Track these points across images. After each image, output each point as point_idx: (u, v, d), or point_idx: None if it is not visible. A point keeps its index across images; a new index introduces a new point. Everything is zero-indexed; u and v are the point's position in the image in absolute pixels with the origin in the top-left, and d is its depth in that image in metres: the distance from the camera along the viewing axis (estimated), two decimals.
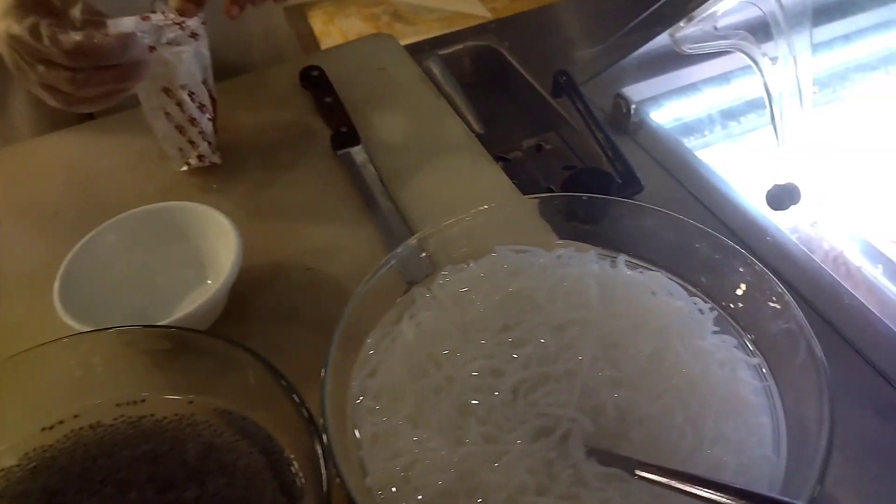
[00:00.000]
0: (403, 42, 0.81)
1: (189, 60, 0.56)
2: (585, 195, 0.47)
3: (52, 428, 0.42)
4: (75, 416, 0.42)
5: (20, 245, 0.61)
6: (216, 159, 0.63)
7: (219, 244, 0.54)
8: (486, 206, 0.49)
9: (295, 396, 0.37)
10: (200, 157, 0.62)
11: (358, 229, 0.60)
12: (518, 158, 0.72)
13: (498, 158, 0.69)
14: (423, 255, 0.48)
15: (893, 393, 0.46)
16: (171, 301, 0.54)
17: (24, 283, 0.57)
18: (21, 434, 0.41)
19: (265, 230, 0.59)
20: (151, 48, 0.53)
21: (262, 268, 0.57)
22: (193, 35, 0.55)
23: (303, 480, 0.38)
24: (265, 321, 0.53)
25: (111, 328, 0.43)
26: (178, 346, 0.44)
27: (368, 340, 0.43)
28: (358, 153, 0.65)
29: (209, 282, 0.55)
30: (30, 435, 0.41)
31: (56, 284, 0.49)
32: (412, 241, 0.46)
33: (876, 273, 0.61)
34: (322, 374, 0.38)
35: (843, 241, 0.62)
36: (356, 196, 0.62)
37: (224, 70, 0.74)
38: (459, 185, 0.63)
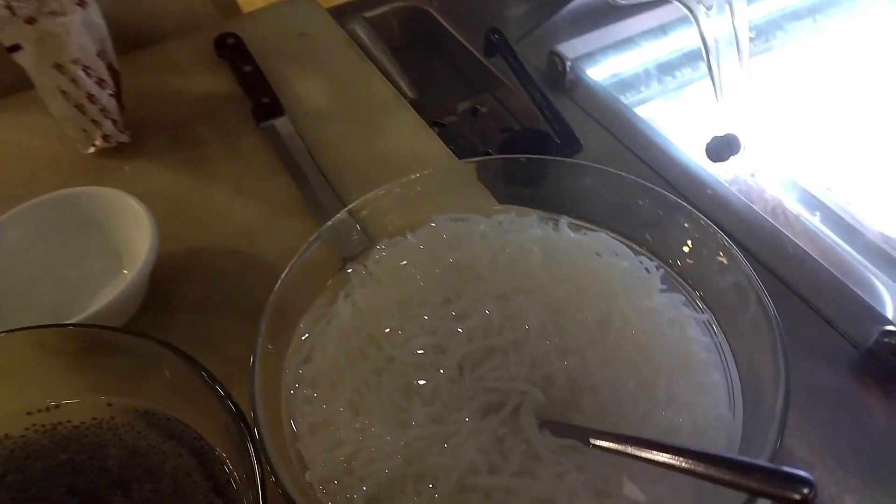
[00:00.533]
0: (328, 5, 0.77)
1: (78, 31, 0.50)
2: (523, 156, 0.45)
3: None
4: None
5: None
6: (124, 138, 0.58)
7: (133, 231, 0.49)
8: (419, 174, 0.46)
9: (219, 390, 0.34)
10: (106, 137, 0.57)
11: (286, 206, 0.56)
12: (453, 123, 0.69)
13: (433, 124, 0.66)
14: (357, 229, 0.45)
15: (839, 339, 0.46)
16: (85, 295, 0.50)
17: None
18: None
19: (185, 213, 0.55)
20: (30, 20, 0.47)
21: (183, 254, 0.53)
22: (80, 2, 0.50)
23: (238, 480, 0.35)
24: (189, 311, 0.49)
25: (15, 330, 0.39)
26: (91, 345, 0.40)
27: (301, 325, 0.40)
28: (282, 125, 0.61)
29: (125, 272, 0.51)
30: None
31: None
32: (342, 214, 0.43)
33: (814, 220, 0.61)
34: (251, 362, 0.35)
35: (781, 191, 0.62)
36: (283, 171, 0.58)
37: (130, 42, 0.68)
38: (393, 152, 0.59)
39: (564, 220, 0.44)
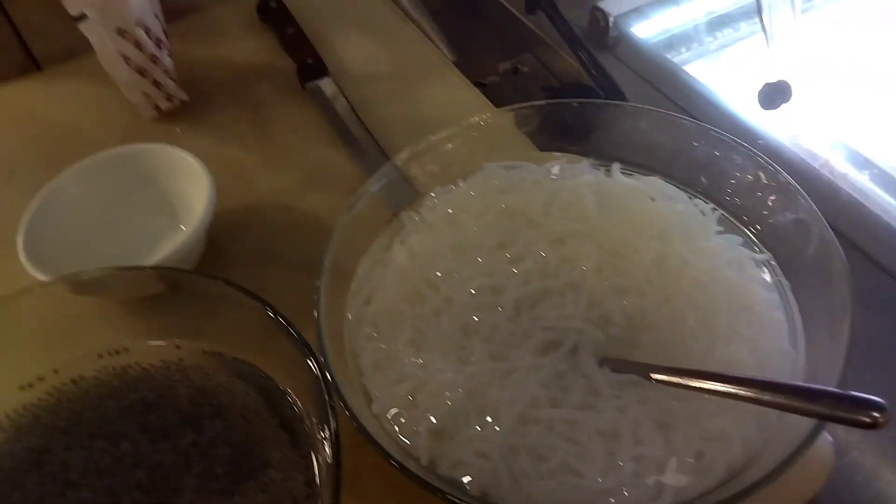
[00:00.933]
0: None
1: None
2: (574, 101, 0.44)
3: (31, 385, 0.39)
4: (55, 372, 0.40)
5: None
6: (183, 96, 0.59)
7: (190, 187, 0.50)
8: (466, 122, 0.46)
9: (291, 329, 0.35)
10: (170, 98, 0.58)
11: (334, 164, 0.57)
12: (495, 84, 0.69)
13: (474, 84, 0.66)
14: (405, 179, 0.45)
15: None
16: (143, 250, 0.51)
17: None
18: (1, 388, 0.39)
19: (237, 172, 0.56)
20: None
21: (237, 211, 0.54)
22: None
23: (305, 416, 0.36)
24: (245, 265, 0.51)
25: (83, 273, 0.40)
26: (160, 287, 0.41)
27: (359, 269, 0.41)
28: (327, 85, 0.61)
29: (183, 227, 0.52)
30: (8, 395, 0.39)
31: (19, 238, 0.46)
32: (391, 165, 0.44)
33: (863, 179, 0.60)
34: (315, 301, 0.36)
35: (829, 150, 0.60)
36: (329, 130, 0.59)
37: (174, 9, 0.69)
38: (437, 110, 0.60)
39: (617, 166, 0.44)
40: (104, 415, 0.38)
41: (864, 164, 0.60)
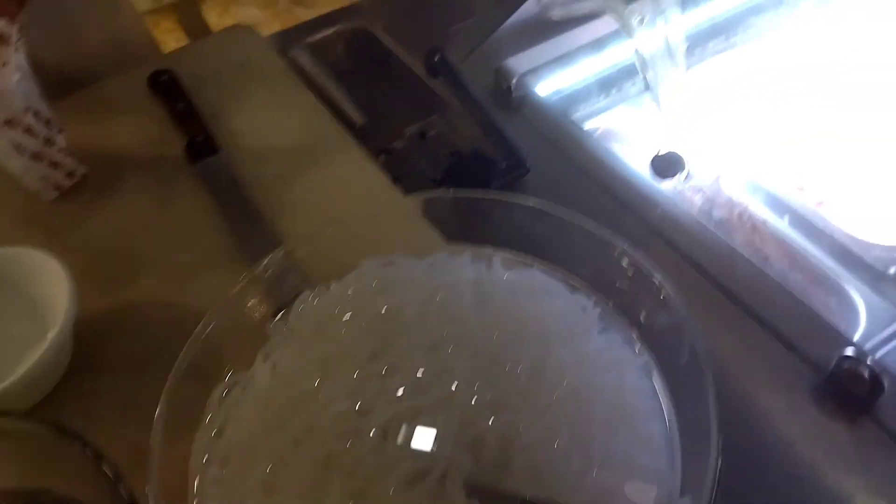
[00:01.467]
0: (270, 31, 0.75)
1: (21, 77, 0.48)
2: (450, 191, 0.42)
3: None
4: None
5: None
6: (83, 169, 0.58)
7: (55, 290, 0.47)
8: (351, 212, 0.44)
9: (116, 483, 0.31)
10: (70, 174, 0.56)
11: (220, 251, 0.53)
12: (402, 148, 0.66)
13: (381, 151, 0.64)
14: (292, 274, 0.43)
15: (795, 361, 0.43)
16: (10, 359, 0.47)
17: None
18: None
19: (113, 265, 0.53)
20: None
21: (111, 309, 0.50)
22: (11, 43, 0.47)
23: None
24: (117, 372, 0.47)
25: None
26: None
27: (213, 395, 0.37)
28: (217, 163, 0.58)
29: (50, 334, 0.48)
30: None
31: None
32: (262, 265, 0.41)
33: (782, 225, 0.58)
34: (151, 443, 0.32)
35: (746, 195, 0.59)
36: (217, 212, 0.56)
37: (64, 85, 0.66)
38: (334, 188, 0.57)
39: (498, 258, 0.42)
40: None
41: (783, 208, 0.59)
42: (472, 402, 0.35)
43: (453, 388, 0.35)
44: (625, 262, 0.37)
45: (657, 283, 0.35)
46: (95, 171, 0.59)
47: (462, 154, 0.63)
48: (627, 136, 0.61)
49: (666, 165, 0.47)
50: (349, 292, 0.41)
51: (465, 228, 0.44)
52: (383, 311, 0.39)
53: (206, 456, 0.35)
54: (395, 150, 0.67)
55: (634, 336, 0.37)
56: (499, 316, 0.38)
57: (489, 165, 0.56)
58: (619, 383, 0.35)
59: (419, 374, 0.36)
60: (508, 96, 0.64)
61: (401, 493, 0.32)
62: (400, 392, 0.35)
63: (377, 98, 0.72)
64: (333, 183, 0.58)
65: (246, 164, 0.59)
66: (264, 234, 0.53)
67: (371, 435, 0.34)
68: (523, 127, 0.63)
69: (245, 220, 0.54)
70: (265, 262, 0.41)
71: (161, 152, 0.61)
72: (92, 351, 0.48)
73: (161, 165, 0.60)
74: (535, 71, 0.65)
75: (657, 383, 0.35)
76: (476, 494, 0.32)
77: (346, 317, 0.39)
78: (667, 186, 0.52)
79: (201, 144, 0.59)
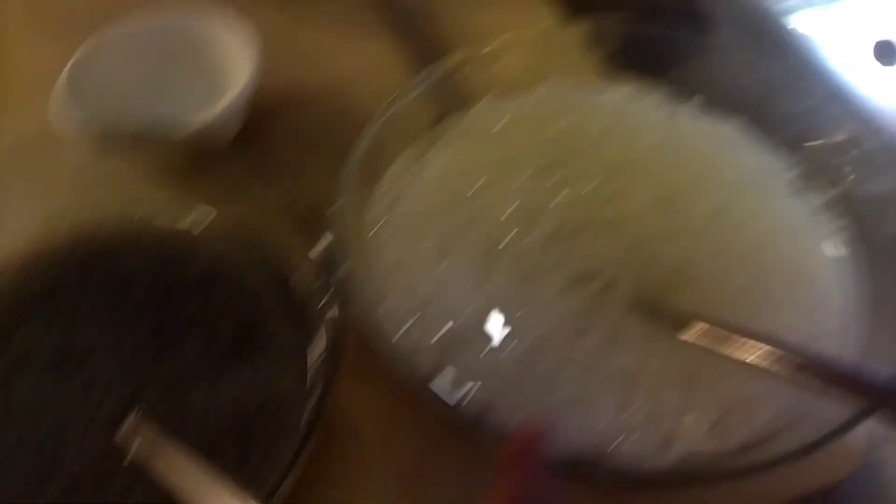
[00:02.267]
0: None
1: None
2: (654, 22, 0.40)
3: (56, 223, 0.39)
4: (78, 215, 0.39)
5: (29, 48, 0.57)
6: None
7: (237, 57, 0.48)
8: (531, 30, 0.42)
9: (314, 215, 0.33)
10: None
11: (393, 56, 0.53)
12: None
13: None
14: (455, 84, 0.42)
15: None
16: (183, 115, 0.49)
17: (33, 88, 0.53)
18: (24, 223, 0.39)
19: (290, 49, 0.53)
20: None
21: (284, 89, 0.51)
22: None
23: (314, 303, 0.35)
24: (283, 145, 0.49)
25: (116, 131, 0.39)
26: (191, 158, 0.40)
27: (392, 168, 0.38)
28: None
29: (224, 96, 0.50)
30: (33, 226, 0.39)
31: (59, 85, 0.45)
32: (445, 64, 0.40)
33: None
34: (341, 188, 0.34)
35: None
36: (393, 18, 0.55)
37: None
38: (503, 16, 0.55)
39: (693, 103, 0.40)
40: (120, 265, 0.37)
41: None
42: (647, 228, 0.34)
43: (628, 210, 0.35)
44: (845, 117, 0.35)
45: (883, 141, 0.33)
46: None
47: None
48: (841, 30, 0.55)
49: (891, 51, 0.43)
50: (531, 106, 0.40)
51: (656, 71, 0.42)
52: (564, 129, 0.39)
53: (383, 217, 0.36)
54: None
55: (832, 202, 0.35)
56: (685, 157, 0.37)
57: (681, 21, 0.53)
58: (806, 244, 0.34)
59: (592, 193, 0.35)
60: None
61: (564, 289, 0.33)
62: (574, 202, 0.35)
63: None
64: (501, 7, 0.56)
65: None
66: (432, 46, 0.53)
67: (539, 234, 0.34)
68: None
69: (414, 32, 0.54)
70: (429, 71, 0.40)
71: None
72: (262, 124, 0.50)
73: None
74: None
75: (852, 249, 0.33)
76: (638, 309, 0.32)
77: (525, 127, 0.39)
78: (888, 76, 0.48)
79: None
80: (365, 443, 0.35)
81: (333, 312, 0.31)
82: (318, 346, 0.33)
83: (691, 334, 0.30)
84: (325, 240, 0.33)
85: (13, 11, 0.59)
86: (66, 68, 0.46)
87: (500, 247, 0.34)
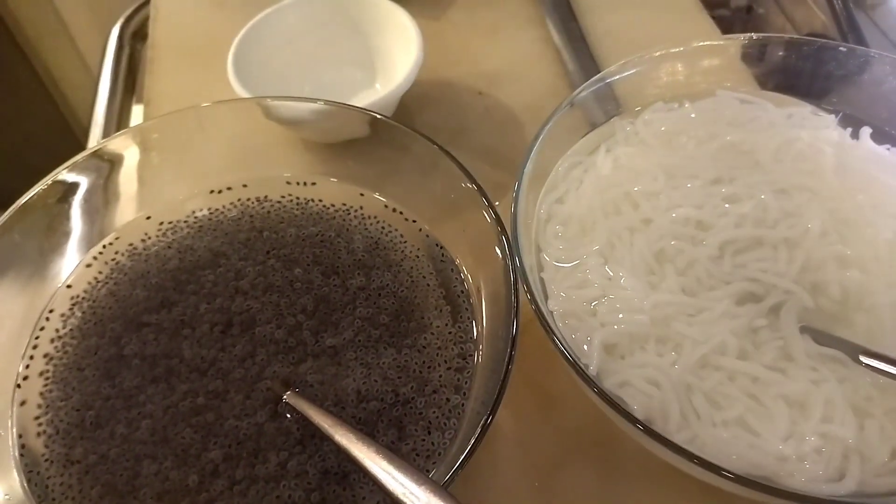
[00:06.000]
0: None
1: None
2: (839, 44, 0.39)
3: (220, 192, 0.41)
4: (244, 186, 0.41)
5: (187, 20, 0.60)
6: None
7: (396, 46, 0.50)
8: (697, 44, 0.42)
9: (489, 204, 0.33)
10: None
11: (537, 59, 0.54)
12: (724, 18, 0.63)
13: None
14: (613, 93, 0.42)
15: None
16: (337, 98, 0.51)
17: (192, 57, 0.56)
18: (189, 192, 0.41)
19: (439, 44, 0.55)
20: None
21: (431, 83, 0.53)
22: None
23: (473, 294, 0.35)
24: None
25: (299, 99, 0.40)
26: (356, 133, 0.41)
27: (557, 167, 0.39)
28: None
29: (378, 86, 0.52)
30: (198, 195, 0.41)
31: (230, 56, 0.47)
32: (603, 74, 0.40)
33: None
34: (515, 186, 0.34)
35: None
36: (540, 22, 0.56)
37: None
38: (659, 27, 0.55)
39: (867, 130, 0.39)
40: (282, 238, 0.39)
41: None
42: (820, 250, 0.33)
43: (802, 230, 0.34)
44: None
45: None
46: None
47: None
48: None
49: None
50: (701, 115, 0.40)
51: (817, 94, 0.42)
52: (734, 143, 0.38)
53: (548, 214, 0.36)
54: (716, 18, 0.63)
55: None
56: (860, 183, 0.36)
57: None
58: None
59: (765, 210, 0.35)
60: None
61: (731, 306, 0.32)
62: (743, 219, 0.35)
63: None
64: (660, 22, 0.56)
65: None
66: (584, 52, 0.53)
67: (708, 247, 0.34)
68: (874, 32, 0.57)
69: (571, 38, 0.54)
70: (596, 78, 0.40)
71: None
72: (409, 114, 0.51)
73: None
74: None
75: None
76: (809, 333, 0.32)
77: (695, 136, 0.39)
78: None
79: None
80: (503, 442, 0.36)
81: (511, 303, 0.31)
82: (477, 336, 0.34)
83: (868, 362, 0.30)
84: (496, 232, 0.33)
85: None
86: (236, 39, 0.48)
87: (665, 257, 0.34)
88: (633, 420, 0.28)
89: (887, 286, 0.32)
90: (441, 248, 0.38)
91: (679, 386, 0.30)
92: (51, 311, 0.36)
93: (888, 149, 0.38)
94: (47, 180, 0.37)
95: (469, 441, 0.27)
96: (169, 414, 0.31)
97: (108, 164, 0.40)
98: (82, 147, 0.57)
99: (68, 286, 0.37)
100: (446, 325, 0.35)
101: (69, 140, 0.88)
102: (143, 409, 0.32)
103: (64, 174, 0.38)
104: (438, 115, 0.52)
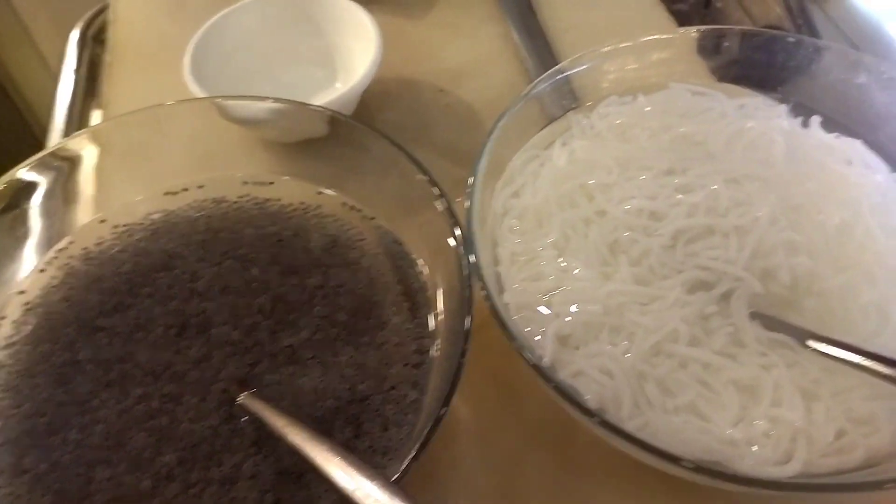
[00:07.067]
0: None
1: None
2: (782, 33, 0.40)
3: (175, 194, 0.41)
4: (200, 187, 0.41)
5: (145, 23, 0.59)
6: None
7: (354, 44, 0.50)
8: (649, 38, 0.43)
9: (445, 200, 0.34)
10: None
11: (497, 55, 0.54)
12: (681, 12, 0.63)
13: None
14: (570, 87, 0.43)
15: None
16: (297, 97, 0.51)
17: (150, 60, 0.55)
18: (144, 194, 0.40)
19: (399, 42, 0.55)
20: None
21: (391, 81, 0.53)
22: None
23: (429, 288, 0.35)
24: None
25: (252, 98, 0.40)
26: (312, 132, 0.41)
27: (513, 161, 0.39)
28: None
29: (338, 85, 0.52)
30: (153, 197, 0.40)
31: (186, 57, 0.46)
32: (561, 68, 0.41)
33: None
34: (470, 181, 0.34)
35: None
36: (499, 18, 0.56)
37: None
38: (616, 20, 0.56)
39: (817, 119, 0.39)
40: (239, 238, 0.38)
41: None
42: (770, 237, 0.34)
43: (752, 218, 0.34)
44: None
45: None
46: None
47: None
48: None
49: None
50: (655, 108, 0.40)
51: (771, 85, 0.43)
52: (686, 134, 0.39)
53: (504, 208, 0.37)
54: (675, 12, 0.63)
55: None
56: (810, 170, 0.37)
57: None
58: None
59: (716, 199, 0.35)
60: None
61: (683, 294, 0.33)
62: (695, 208, 0.35)
63: None
64: (617, 15, 0.56)
65: None
66: (544, 47, 0.53)
67: (660, 237, 0.34)
68: (827, 25, 0.58)
69: (527, 32, 0.54)
70: (552, 72, 0.41)
71: None
72: (369, 112, 0.51)
73: None
74: None
75: None
76: (759, 319, 0.32)
77: (648, 129, 0.39)
78: None
79: None
80: (463, 437, 0.36)
81: (465, 296, 0.31)
82: (434, 331, 0.34)
83: (815, 347, 0.30)
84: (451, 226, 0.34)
85: None
86: (193, 40, 0.47)
87: (619, 248, 0.34)
88: (585, 410, 0.28)
89: (835, 271, 0.33)
90: (399, 244, 0.38)
91: (631, 374, 0.31)
92: (2, 318, 0.35)
93: (837, 136, 0.39)
94: (4, 179, 0.37)
95: (422, 435, 0.27)
96: (123, 418, 0.31)
97: (66, 165, 0.40)
98: (41, 148, 0.56)
99: (21, 292, 0.36)
100: (404, 321, 0.35)
101: (28, 142, 0.87)
102: (97, 415, 0.31)
103: (21, 173, 0.37)
104: (399, 112, 0.51)
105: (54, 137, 0.55)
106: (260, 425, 0.30)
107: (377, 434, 0.31)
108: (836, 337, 0.31)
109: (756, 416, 0.29)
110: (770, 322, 0.32)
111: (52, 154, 0.39)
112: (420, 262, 0.37)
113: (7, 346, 0.34)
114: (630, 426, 0.29)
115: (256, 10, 0.51)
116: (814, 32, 0.54)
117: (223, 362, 0.33)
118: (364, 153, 0.38)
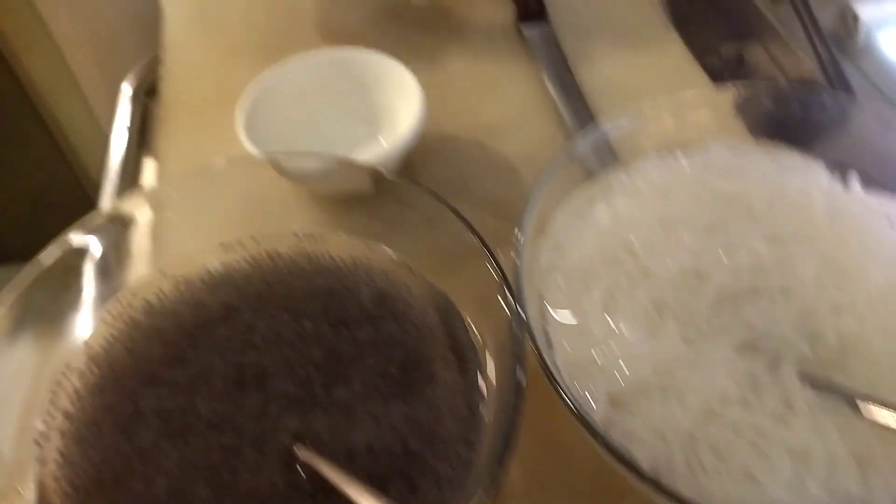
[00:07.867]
0: None
1: None
2: (821, 86, 0.41)
3: (231, 247, 0.42)
4: (254, 240, 0.42)
5: (196, 77, 0.62)
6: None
7: (398, 102, 0.51)
8: (687, 94, 0.44)
9: (493, 258, 0.35)
10: None
11: (534, 110, 0.56)
12: (714, 68, 0.65)
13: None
14: (608, 144, 0.44)
15: None
16: (344, 152, 0.53)
17: (202, 112, 0.58)
18: (202, 247, 0.42)
19: (439, 99, 0.56)
20: None
21: (433, 136, 0.54)
22: None
23: (478, 344, 0.36)
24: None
25: (298, 152, 0.42)
26: (362, 188, 0.42)
27: (556, 219, 0.40)
28: (543, 30, 0.60)
29: (382, 140, 0.53)
30: (210, 250, 0.42)
31: (239, 112, 0.49)
32: (600, 126, 0.42)
33: None
34: (520, 238, 0.36)
35: None
36: (536, 75, 0.58)
37: None
38: (651, 77, 0.57)
39: (854, 175, 0.40)
40: (292, 291, 0.40)
41: None
42: (816, 299, 0.34)
43: (797, 278, 0.35)
44: None
45: None
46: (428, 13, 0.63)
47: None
48: None
49: None
50: (693, 167, 0.42)
51: (806, 140, 0.43)
52: (727, 193, 0.40)
53: (549, 265, 0.38)
54: (706, 66, 0.65)
55: None
56: (852, 231, 0.37)
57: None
58: None
59: (760, 258, 0.36)
60: (852, 40, 0.60)
61: (731, 353, 0.33)
62: (739, 268, 0.36)
63: (692, 8, 0.70)
64: (652, 72, 0.58)
65: (568, 36, 0.60)
66: (580, 103, 0.55)
67: (706, 297, 0.35)
68: (861, 81, 0.59)
69: (564, 88, 0.56)
70: (592, 129, 0.42)
71: (492, 8, 0.64)
72: (412, 169, 0.52)
73: (490, 20, 0.63)
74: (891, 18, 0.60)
75: None
76: (808, 381, 0.33)
77: (689, 187, 0.40)
78: None
79: (532, 9, 0.61)
80: (509, 494, 0.36)
81: (517, 355, 0.32)
82: (484, 388, 0.35)
83: (869, 414, 0.30)
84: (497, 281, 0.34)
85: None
86: (245, 95, 0.50)
87: (665, 307, 0.35)
88: (639, 473, 0.28)
89: (882, 334, 0.33)
90: (447, 299, 0.39)
91: (684, 437, 0.31)
92: (68, 369, 0.37)
93: (876, 194, 0.40)
94: (64, 238, 0.38)
95: (479, 497, 0.28)
96: (184, 470, 0.32)
97: (123, 223, 0.42)
98: (93, 202, 0.59)
99: (85, 343, 0.38)
100: (453, 376, 0.36)
101: (79, 195, 0.90)
102: (160, 466, 0.32)
103: (79, 233, 0.39)
104: (441, 167, 0.53)
105: (108, 190, 0.57)
106: (316, 479, 0.31)
107: (431, 491, 0.32)
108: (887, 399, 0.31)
109: (811, 484, 0.30)
110: (820, 383, 0.32)
111: (109, 214, 0.40)
112: (467, 317, 0.37)
113: (73, 396, 0.36)
114: (684, 489, 0.30)
115: (303, 66, 0.53)
116: (846, 86, 0.55)
117: (280, 414, 0.34)
118: (411, 209, 0.39)
